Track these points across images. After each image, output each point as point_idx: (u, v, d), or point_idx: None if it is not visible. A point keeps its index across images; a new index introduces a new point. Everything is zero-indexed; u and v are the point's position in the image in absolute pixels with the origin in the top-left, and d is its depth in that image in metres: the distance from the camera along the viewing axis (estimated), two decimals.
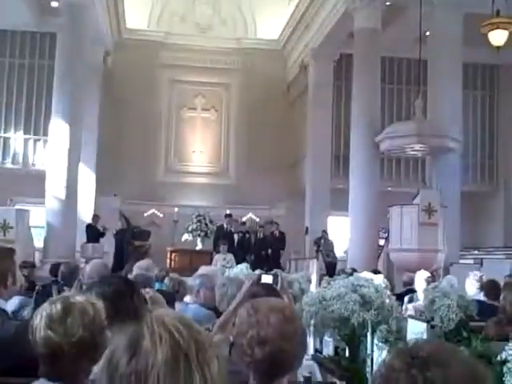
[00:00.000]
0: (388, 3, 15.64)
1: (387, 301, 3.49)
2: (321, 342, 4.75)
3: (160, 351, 1.03)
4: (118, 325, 2.05)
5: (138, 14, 21.98)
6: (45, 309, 1.98)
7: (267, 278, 3.69)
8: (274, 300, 2.08)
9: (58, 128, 14.71)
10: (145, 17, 22.39)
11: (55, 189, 14.40)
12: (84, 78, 15.66)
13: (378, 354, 3.86)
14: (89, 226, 16.31)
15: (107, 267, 4.84)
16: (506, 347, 1.88)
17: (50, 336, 1.91)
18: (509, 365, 1.81)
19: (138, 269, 5.31)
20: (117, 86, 21.35)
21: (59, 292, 4.30)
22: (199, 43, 22.14)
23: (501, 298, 5.41)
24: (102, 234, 16.25)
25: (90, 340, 1.92)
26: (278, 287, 3.61)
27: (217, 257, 14.57)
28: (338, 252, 17.19)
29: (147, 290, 3.77)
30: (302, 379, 3.36)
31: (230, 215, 17.02)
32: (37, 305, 4.28)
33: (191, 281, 5.18)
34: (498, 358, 1.86)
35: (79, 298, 2.02)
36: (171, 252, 18.62)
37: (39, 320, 1.95)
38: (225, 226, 16.61)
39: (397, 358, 1.08)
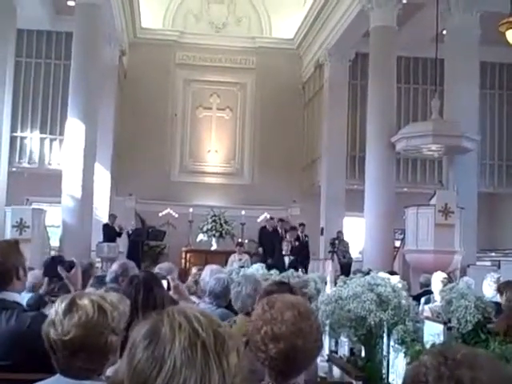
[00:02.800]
0: (404, 2, 15.53)
1: (404, 301, 3.43)
2: (336, 344, 4.70)
3: (178, 338, 1.04)
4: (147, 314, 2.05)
5: (153, 14, 22.06)
6: (54, 305, 2.02)
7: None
8: (290, 296, 2.05)
9: (74, 127, 14.77)
10: (160, 16, 22.45)
11: (71, 188, 14.46)
12: (99, 78, 15.72)
13: (394, 356, 3.81)
14: (106, 226, 16.37)
15: (134, 266, 4.85)
16: None
17: (48, 332, 1.96)
18: None
19: (159, 270, 5.30)
20: (132, 85, 21.43)
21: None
22: (214, 42, 22.17)
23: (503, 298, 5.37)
24: (119, 234, 16.31)
25: (84, 340, 1.93)
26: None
27: (232, 257, 14.55)
28: (354, 253, 17.10)
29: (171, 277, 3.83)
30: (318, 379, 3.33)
31: (282, 220, 16.76)
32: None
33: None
34: None
35: (89, 298, 2.01)
36: (186, 252, 18.67)
37: (48, 315, 2.02)
38: (279, 230, 16.12)
39: (430, 356, 1.10)
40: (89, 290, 4.11)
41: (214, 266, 5.12)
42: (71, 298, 2.01)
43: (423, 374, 1.07)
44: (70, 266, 3.65)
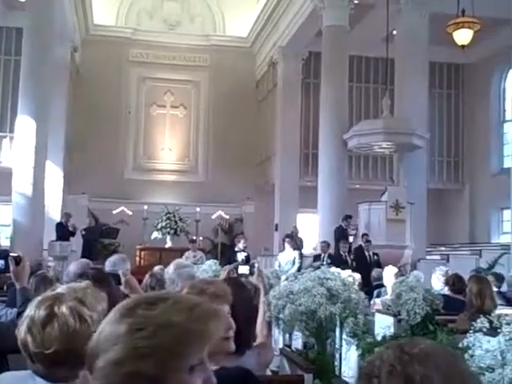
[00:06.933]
0: (356, 2, 15.77)
1: (353, 295, 3.54)
2: (290, 337, 4.79)
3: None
4: None
5: (106, 10, 21.82)
6: (32, 308, 1.92)
7: (244, 269, 3.76)
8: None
9: (25, 125, 14.49)
10: (113, 13, 22.22)
11: (22, 186, 14.19)
12: (51, 74, 15.45)
13: (346, 348, 3.92)
14: (59, 225, 16.10)
15: (90, 265, 4.81)
16: (468, 335, 1.95)
17: (27, 342, 1.88)
18: (470, 352, 1.88)
19: (109, 263, 5.31)
20: (85, 82, 21.17)
21: None
22: (168, 40, 22.07)
23: (466, 291, 5.53)
24: (73, 233, 16.06)
25: (66, 353, 1.85)
26: (254, 277, 3.67)
27: (186, 254, 14.51)
28: (308, 249, 17.29)
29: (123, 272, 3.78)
30: (270, 373, 3.40)
31: (350, 216, 14.56)
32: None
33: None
34: (460, 345, 1.92)
35: (67, 305, 1.91)
36: (140, 250, 18.54)
37: (24, 319, 1.91)
38: (343, 226, 14.36)
39: (389, 349, 1.09)
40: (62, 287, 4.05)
41: (181, 260, 5.11)
42: (48, 306, 1.91)
43: (377, 367, 1.06)
44: (15, 260, 3.55)
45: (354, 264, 12.41)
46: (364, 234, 13.11)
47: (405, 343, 1.10)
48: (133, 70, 22.30)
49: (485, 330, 1.97)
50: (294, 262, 12.34)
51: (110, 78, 21.26)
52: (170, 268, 4.64)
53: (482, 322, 1.99)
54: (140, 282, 5.55)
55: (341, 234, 13.78)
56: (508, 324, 1.86)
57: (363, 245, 12.81)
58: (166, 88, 22.45)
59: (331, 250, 13.47)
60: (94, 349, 1.12)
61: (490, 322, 1.98)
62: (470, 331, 1.97)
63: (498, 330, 1.89)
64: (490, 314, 2.03)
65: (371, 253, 12.60)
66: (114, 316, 1.14)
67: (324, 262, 11.92)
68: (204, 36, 22.56)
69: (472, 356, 1.86)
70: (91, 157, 20.49)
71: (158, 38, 22.03)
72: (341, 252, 13.09)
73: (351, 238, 14.36)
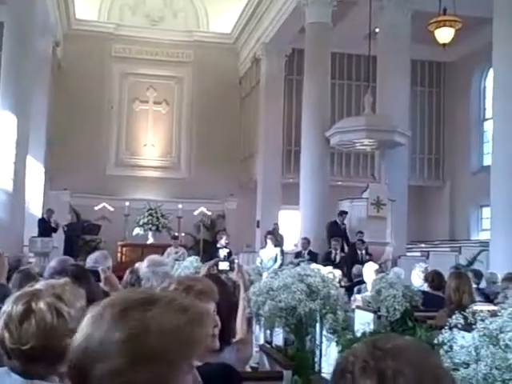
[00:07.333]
0: None
1: (333, 291, 3.57)
2: (271, 334, 4.80)
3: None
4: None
5: (89, 5, 21.66)
6: (9, 304, 1.91)
7: (224, 265, 3.78)
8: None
9: (5, 120, 14.37)
10: (95, 8, 22.08)
11: (2, 181, 14.07)
12: (32, 69, 15.32)
13: (326, 345, 3.95)
14: (41, 220, 15.99)
15: (70, 262, 4.78)
16: (443, 330, 1.98)
17: (3, 337, 1.86)
18: (445, 347, 1.91)
19: (90, 260, 5.28)
20: (67, 77, 21.01)
21: None
22: (150, 35, 21.97)
23: (446, 287, 5.60)
24: (55, 229, 15.96)
25: (43, 349, 1.84)
26: (234, 273, 3.69)
27: (168, 250, 14.51)
28: (289, 245, 17.36)
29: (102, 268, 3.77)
30: (249, 369, 3.42)
31: (345, 212, 14.12)
32: None
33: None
34: (435, 341, 1.96)
35: (45, 301, 1.89)
36: (122, 246, 18.48)
37: (1, 315, 1.90)
38: (338, 222, 13.95)
39: (362, 345, 1.10)
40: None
41: (157, 257, 5.06)
42: (26, 302, 1.89)
43: (351, 363, 1.07)
44: None
45: (339, 261, 12.51)
46: (358, 232, 13.15)
47: (378, 339, 1.11)
48: (115, 66, 22.17)
49: (459, 325, 2.01)
50: (276, 259, 12.38)
51: (92, 74, 21.12)
52: (144, 264, 4.61)
53: (456, 318, 2.03)
54: (122, 278, 5.55)
55: (334, 230, 13.78)
56: (482, 320, 1.89)
57: (356, 243, 12.90)
58: (149, 84, 22.37)
59: (312, 247, 13.55)
60: (83, 356, 1.08)
61: (465, 318, 2.02)
62: (445, 327, 2.01)
63: (473, 326, 1.92)
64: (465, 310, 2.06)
65: (364, 251, 12.68)
66: (104, 319, 1.10)
67: (304, 259, 11.97)
68: (187, 32, 22.48)
69: (447, 352, 1.89)
70: (73, 152, 20.35)
71: (141, 33, 21.93)
72: (331, 249, 13.11)
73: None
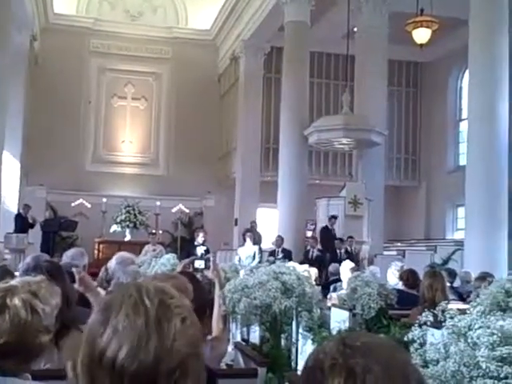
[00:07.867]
0: None
1: (308, 289, 3.60)
2: (248, 331, 4.82)
3: (124, 305, 1.14)
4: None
5: None
6: None
7: (199, 263, 3.79)
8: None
9: None
10: (73, 2, 21.87)
11: None
12: (8, 63, 15.15)
13: (302, 342, 3.99)
14: (18, 216, 15.80)
15: (45, 258, 4.72)
16: (413, 328, 2.02)
17: None
18: (415, 345, 1.95)
19: (66, 257, 5.23)
20: (44, 72, 20.78)
21: None
22: (129, 31, 21.84)
23: (420, 285, 5.67)
24: (32, 225, 15.79)
25: (17, 345, 1.84)
26: (210, 271, 3.71)
27: (146, 248, 14.45)
28: (267, 243, 17.38)
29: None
30: (224, 367, 3.44)
31: (335, 217, 13.89)
32: None
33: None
34: (405, 338, 1.99)
35: (20, 297, 1.88)
36: (99, 243, 18.39)
37: None
38: (329, 227, 13.84)
39: (332, 342, 1.10)
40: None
41: (127, 255, 5.00)
42: (0, 297, 1.88)
43: (320, 360, 1.07)
44: None
45: (315, 259, 12.59)
46: (349, 237, 13.19)
47: (347, 336, 1.12)
48: (93, 61, 22.01)
49: (429, 323, 2.05)
50: (254, 257, 12.41)
51: (69, 69, 20.93)
52: (112, 261, 4.57)
53: (426, 316, 2.07)
54: (98, 275, 5.51)
55: (325, 235, 13.77)
56: (452, 318, 1.93)
57: (335, 242, 13.01)
58: (127, 80, 22.24)
59: (289, 246, 13.61)
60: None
61: (435, 316, 2.06)
62: (415, 325, 2.05)
63: (443, 324, 1.96)
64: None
65: (343, 250, 12.75)
66: (125, 313, 1.12)
67: (279, 256, 12.02)
68: (166, 28, 22.39)
69: (417, 349, 1.93)
70: (50, 148, 20.17)
71: (120, 28, 21.78)
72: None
73: (309, 233, 14.41)
